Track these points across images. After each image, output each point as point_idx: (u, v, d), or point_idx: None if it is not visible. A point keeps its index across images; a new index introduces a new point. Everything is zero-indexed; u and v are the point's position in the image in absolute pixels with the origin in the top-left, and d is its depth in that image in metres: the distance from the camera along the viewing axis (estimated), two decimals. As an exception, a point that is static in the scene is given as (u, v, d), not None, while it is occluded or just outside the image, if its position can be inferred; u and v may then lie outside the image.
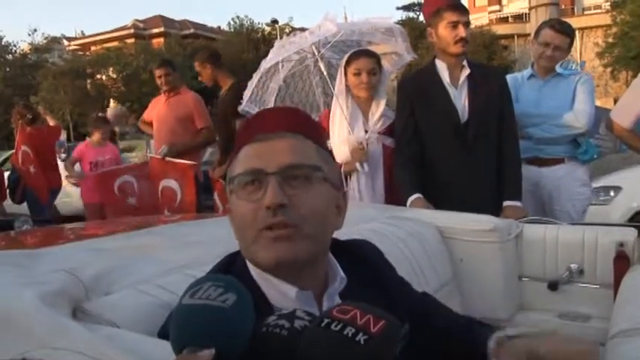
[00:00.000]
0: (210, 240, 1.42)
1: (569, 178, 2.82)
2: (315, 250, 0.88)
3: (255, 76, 3.16)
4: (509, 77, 3.03)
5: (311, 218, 0.86)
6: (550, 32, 2.83)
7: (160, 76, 4.42)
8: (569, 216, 2.74)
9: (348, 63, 2.74)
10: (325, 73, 3.05)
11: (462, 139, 2.45)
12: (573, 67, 2.88)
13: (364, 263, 1.01)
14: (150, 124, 4.70)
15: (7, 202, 5.51)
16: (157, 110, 4.52)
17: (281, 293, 0.87)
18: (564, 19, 3.58)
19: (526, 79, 2.96)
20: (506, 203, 2.44)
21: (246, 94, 3.21)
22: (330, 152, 0.99)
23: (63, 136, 6.80)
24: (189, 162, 4.05)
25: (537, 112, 2.82)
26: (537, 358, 0.85)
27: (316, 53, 3.04)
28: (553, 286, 1.83)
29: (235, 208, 0.90)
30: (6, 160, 8.58)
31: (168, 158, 4.09)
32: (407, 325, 0.68)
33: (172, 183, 4.02)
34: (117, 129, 6.40)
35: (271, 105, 3.21)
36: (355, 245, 1.06)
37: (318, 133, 0.98)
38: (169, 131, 4.29)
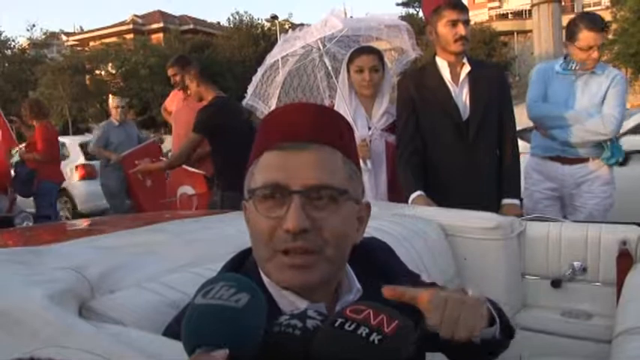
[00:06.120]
0: (216, 237, 1.42)
1: (591, 176, 2.78)
2: (333, 272, 0.85)
3: (260, 71, 3.15)
4: (538, 67, 2.95)
5: (333, 242, 0.82)
6: (592, 35, 2.68)
7: (171, 76, 4.27)
8: (590, 214, 2.72)
9: (350, 60, 2.73)
10: (330, 67, 3.03)
11: (463, 137, 2.45)
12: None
13: (375, 263, 0.99)
14: (171, 113, 4.56)
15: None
16: (175, 107, 4.36)
17: (291, 303, 0.85)
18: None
19: (558, 74, 2.83)
20: (504, 201, 2.44)
21: (250, 88, 3.19)
22: (357, 163, 0.92)
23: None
24: (201, 172, 3.84)
25: (565, 114, 2.73)
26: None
27: (321, 47, 3.03)
28: (556, 283, 1.83)
29: (253, 220, 0.85)
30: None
31: (184, 165, 3.82)
32: (419, 330, 0.68)
33: (188, 189, 3.93)
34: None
35: (275, 98, 3.19)
36: (365, 245, 1.01)
37: (346, 141, 0.90)
38: (186, 135, 3.83)
